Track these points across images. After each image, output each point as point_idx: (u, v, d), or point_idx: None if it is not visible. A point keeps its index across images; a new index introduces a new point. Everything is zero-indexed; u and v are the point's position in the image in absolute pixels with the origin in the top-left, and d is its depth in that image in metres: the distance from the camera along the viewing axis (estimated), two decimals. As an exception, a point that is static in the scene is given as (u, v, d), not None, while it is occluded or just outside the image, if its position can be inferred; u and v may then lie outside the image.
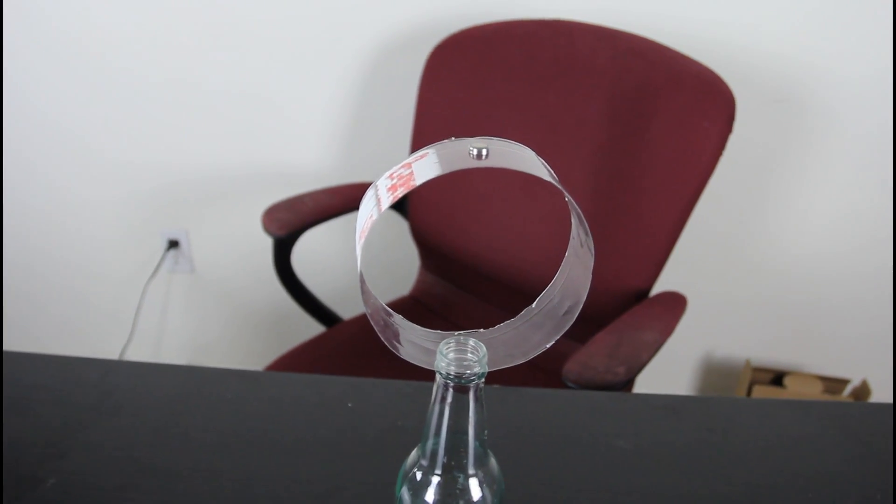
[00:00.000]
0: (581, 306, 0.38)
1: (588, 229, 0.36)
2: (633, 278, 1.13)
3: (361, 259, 0.35)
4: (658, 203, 1.10)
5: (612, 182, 1.15)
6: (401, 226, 1.43)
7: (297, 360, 1.21)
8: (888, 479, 0.66)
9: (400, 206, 1.39)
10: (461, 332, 0.41)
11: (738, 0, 1.29)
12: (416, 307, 1.40)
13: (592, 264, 0.37)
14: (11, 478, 0.60)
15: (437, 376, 0.40)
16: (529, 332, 0.41)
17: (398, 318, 0.40)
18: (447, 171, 0.34)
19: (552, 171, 0.36)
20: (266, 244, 1.27)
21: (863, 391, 1.61)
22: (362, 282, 0.35)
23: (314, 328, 1.38)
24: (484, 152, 0.35)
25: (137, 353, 1.79)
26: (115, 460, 0.62)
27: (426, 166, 0.34)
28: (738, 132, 1.09)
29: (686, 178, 1.08)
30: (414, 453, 0.46)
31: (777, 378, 1.66)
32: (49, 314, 1.79)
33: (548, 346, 0.40)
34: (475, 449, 0.43)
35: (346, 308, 1.43)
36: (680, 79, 1.10)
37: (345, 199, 1.31)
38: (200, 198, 1.63)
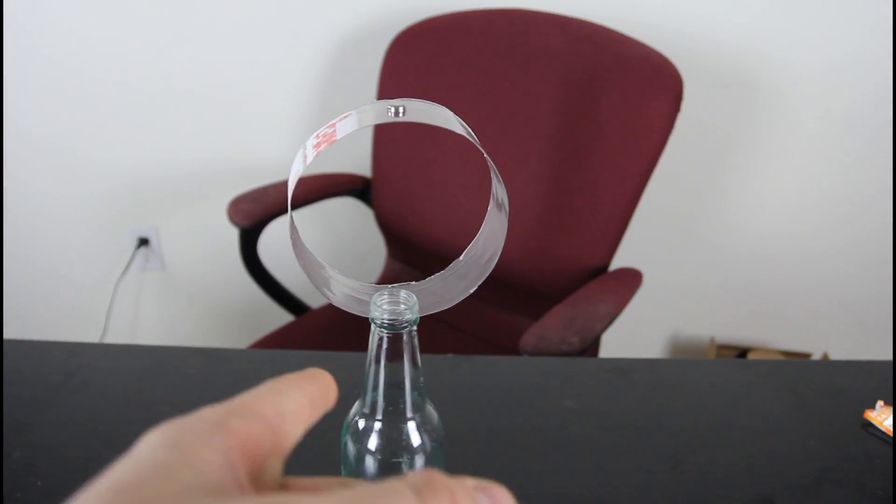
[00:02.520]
0: (499, 255, 0.41)
1: (501, 180, 0.39)
2: (589, 257, 1.16)
3: (291, 213, 0.38)
4: (610, 182, 1.14)
5: (566, 164, 1.19)
6: (367, 215, 1.45)
7: (267, 348, 1.23)
8: (822, 427, 0.70)
9: (364, 194, 1.41)
10: (394, 285, 0.43)
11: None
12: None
13: (508, 214, 0.40)
14: (-23, 453, 0.62)
15: (372, 325, 0.43)
16: (456, 281, 0.44)
17: (332, 272, 0.43)
18: (364, 125, 0.37)
19: (469, 129, 0.39)
20: (234, 238, 1.29)
21: (822, 363, 1.66)
22: (292, 230, 0.38)
23: (285, 319, 1.40)
24: (401, 110, 0.38)
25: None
26: (79, 433, 0.65)
27: (347, 124, 0.37)
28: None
29: (636, 157, 1.12)
30: (357, 404, 0.49)
31: (741, 355, 1.71)
32: (18, 314, 1.80)
33: (472, 290, 0.43)
34: (412, 395, 0.46)
35: (315, 296, 1.45)
36: (627, 61, 1.13)
37: (309, 190, 1.33)
38: (169, 195, 1.65)
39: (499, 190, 0.41)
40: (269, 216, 1.24)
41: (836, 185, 1.51)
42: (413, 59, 1.30)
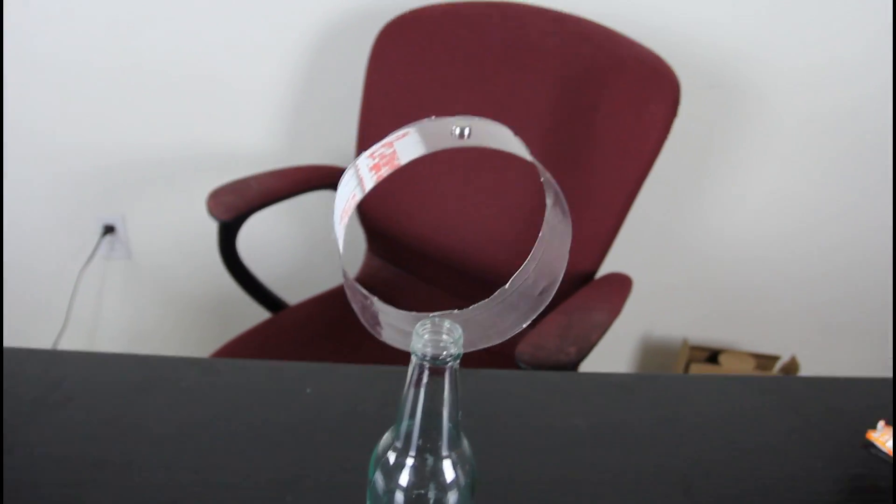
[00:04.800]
0: (557, 286, 0.39)
1: (566, 208, 0.36)
2: (580, 261, 1.15)
3: (343, 242, 0.34)
4: (605, 185, 1.12)
5: (560, 165, 1.16)
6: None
7: (244, 347, 1.18)
8: (826, 448, 0.70)
9: (346, 189, 1.37)
10: (436, 313, 0.40)
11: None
12: (363, 291, 1.39)
13: (570, 243, 0.38)
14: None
15: (413, 357, 0.40)
16: (505, 313, 0.41)
17: (375, 301, 0.40)
18: (431, 150, 0.33)
19: (529, 150, 0.36)
20: (206, 228, 1.24)
21: (792, 366, 1.68)
22: (343, 267, 0.35)
23: (257, 314, 1.35)
24: (467, 131, 0.35)
25: (71, 343, 1.73)
26: (66, 454, 0.60)
27: (409, 145, 0.34)
28: (678, 118, 1.11)
29: (633, 161, 1.10)
30: (387, 436, 0.46)
31: (712, 356, 1.72)
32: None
33: (524, 325, 0.40)
34: (449, 431, 0.44)
35: (292, 293, 1.41)
36: (625, 62, 1.11)
37: (291, 183, 1.29)
38: (137, 181, 1.58)
39: (558, 213, 0.38)
40: (250, 209, 1.20)
41: (812, 190, 1.52)
42: (402, 50, 1.26)
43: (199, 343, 1.74)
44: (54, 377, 0.69)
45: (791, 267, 1.63)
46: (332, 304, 1.33)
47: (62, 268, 1.65)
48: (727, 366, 1.67)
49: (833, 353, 1.73)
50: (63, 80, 1.44)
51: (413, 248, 1.32)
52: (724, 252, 1.62)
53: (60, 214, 1.60)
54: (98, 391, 0.68)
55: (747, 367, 1.68)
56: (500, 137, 0.35)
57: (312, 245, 1.64)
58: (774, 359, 1.72)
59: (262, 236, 1.56)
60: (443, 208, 1.27)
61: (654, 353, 1.80)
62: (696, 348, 1.73)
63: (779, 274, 1.64)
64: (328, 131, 1.49)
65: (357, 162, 0.36)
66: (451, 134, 0.35)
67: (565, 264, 0.38)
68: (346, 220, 0.34)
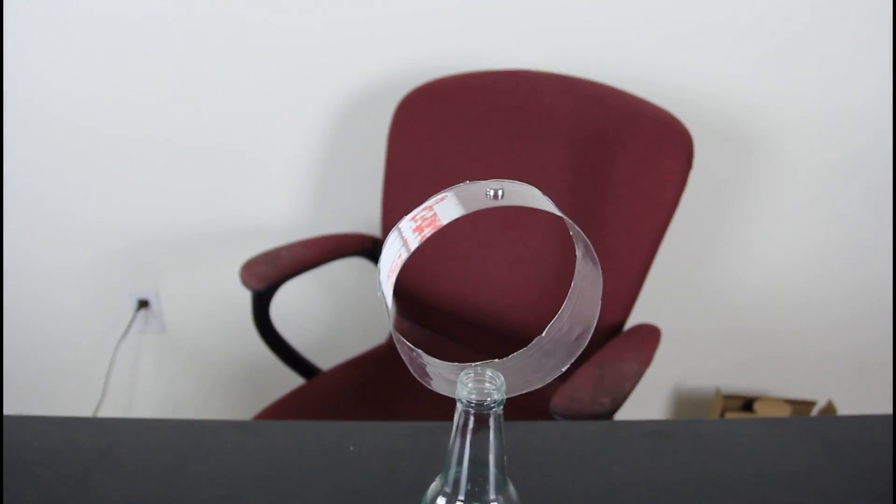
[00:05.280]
0: (592, 332, 0.41)
1: (595, 257, 0.39)
2: (608, 314, 1.16)
3: (391, 299, 0.37)
4: (626, 241, 1.15)
5: (581, 222, 1.19)
6: (373, 273, 1.45)
7: (281, 412, 1.20)
8: (871, 487, 0.70)
9: (372, 252, 1.41)
10: (478, 363, 0.43)
11: (686, 46, 1.36)
12: (393, 354, 1.42)
13: (601, 291, 0.40)
14: (17, 541, 0.59)
15: (458, 405, 0.43)
16: (543, 360, 0.43)
17: (422, 353, 0.42)
18: (469, 211, 0.36)
19: (557, 206, 0.39)
20: (238, 299, 1.27)
21: (829, 411, 1.66)
22: (391, 322, 0.38)
23: (291, 381, 1.37)
24: (500, 193, 0.38)
25: (109, 414, 1.75)
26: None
27: (448, 207, 0.37)
28: (693, 171, 1.14)
29: (652, 215, 1.13)
30: (435, 483, 0.47)
31: (747, 404, 1.71)
32: (14, 378, 1.75)
33: (563, 369, 0.42)
34: (496, 476, 0.45)
35: (324, 359, 1.44)
36: (638, 121, 1.15)
37: (321, 251, 1.33)
38: (169, 256, 1.63)
39: (588, 264, 0.40)
40: (282, 278, 1.23)
41: (833, 236, 1.53)
42: (421, 121, 1.31)
43: (234, 411, 1.76)
44: (105, 443, 0.71)
45: (820, 311, 1.63)
46: (365, 367, 1.35)
47: (99, 342, 1.69)
48: (763, 413, 1.66)
49: (870, 394, 1.71)
50: (93, 158, 1.50)
51: (441, 309, 1.34)
52: (750, 300, 1.62)
53: (96, 291, 1.65)
54: (146, 457, 0.70)
55: (784, 414, 1.66)
56: (530, 197, 0.38)
57: (342, 311, 1.67)
58: (811, 404, 1.70)
59: (293, 304, 1.60)
60: (469, 268, 1.30)
61: (687, 404, 1.79)
62: (729, 397, 1.72)
63: (808, 319, 1.64)
64: (353, 201, 1.54)
65: (400, 225, 0.39)
66: (485, 196, 0.38)
67: (598, 311, 0.40)
68: (393, 278, 0.37)
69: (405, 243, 0.37)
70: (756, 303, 1.63)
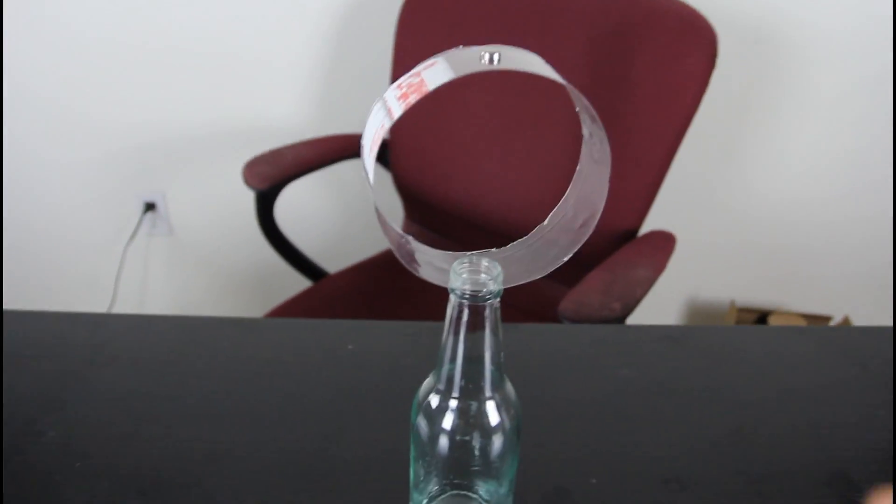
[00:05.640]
0: (598, 218, 0.37)
1: (604, 135, 0.35)
2: (621, 219, 1.12)
3: (374, 175, 0.34)
4: (644, 142, 1.09)
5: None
6: (382, 177, 1.41)
7: (287, 314, 1.19)
8: (888, 398, 0.67)
9: (382, 156, 1.36)
10: (474, 251, 0.39)
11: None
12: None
13: (609, 173, 0.36)
14: (11, 431, 0.58)
15: (452, 296, 0.39)
16: (544, 249, 0.40)
17: (411, 240, 0.39)
18: (459, 75, 0.32)
19: (560, 76, 0.35)
20: (245, 202, 1.24)
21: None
22: (375, 204, 0.34)
23: (299, 284, 1.36)
24: (496, 57, 0.34)
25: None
26: (114, 410, 0.61)
27: (437, 72, 0.33)
28: (718, 74, 1.08)
29: (671, 116, 1.07)
30: (428, 380, 0.45)
31: (761, 317, 1.69)
32: (27, 281, 1.75)
33: (565, 259, 0.39)
34: (491, 372, 0.43)
35: (332, 263, 1.42)
36: (660, 17, 1.08)
37: (325, 151, 1.29)
38: (175, 158, 1.59)
39: (595, 143, 0.36)
40: (286, 179, 1.20)
41: (856, 151, 1.47)
42: (430, 15, 1.24)
43: (243, 313, 1.76)
44: (101, 338, 0.70)
45: (840, 227, 1.58)
46: (373, 271, 1.33)
47: (108, 244, 1.68)
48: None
49: (887, 311, 1.68)
50: (98, 60, 1.46)
51: (450, 213, 1.31)
52: (770, 212, 1.58)
53: (103, 194, 1.63)
54: (141, 351, 0.69)
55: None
56: (529, 63, 0.34)
57: (351, 214, 1.65)
58: (826, 319, 1.67)
59: (301, 207, 1.57)
60: (479, 172, 1.26)
61: (700, 315, 1.77)
62: (743, 310, 1.70)
63: (827, 234, 1.60)
64: (359, 100, 1.48)
65: (385, 95, 0.35)
66: (479, 59, 0.33)
67: (605, 195, 0.37)
68: (375, 150, 0.33)
69: (388, 112, 0.33)
70: (775, 215, 1.58)
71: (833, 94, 1.41)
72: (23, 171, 1.60)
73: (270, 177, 1.18)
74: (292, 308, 1.21)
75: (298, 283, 1.37)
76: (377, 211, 0.35)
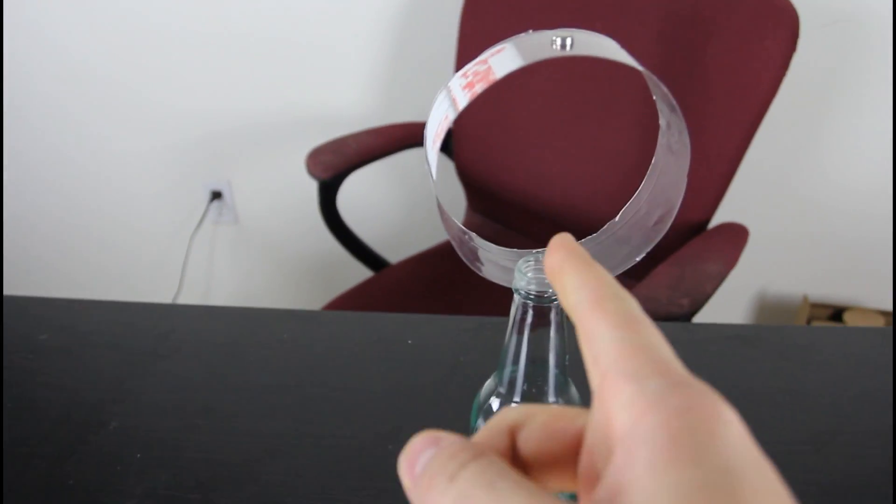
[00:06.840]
0: (675, 214, 0.35)
1: (684, 126, 0.33)
2: (692, 211, 1.08)
3: (436, 167, 0.32)
4: (718, 130, 1.05)
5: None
6: (445, 166, 1.39)
7: (348, 304, 1.19)
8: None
9: (445, 145, 1.35)
10: (540, 250, 0.37)
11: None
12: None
13: (687, 167, 0.34)
14: (75, 421, 0.59)
15: (516, 296, 0.38)
16: (615, 247, 0.37)
17: (474, 237, 0.37)
18: (529, 62, 0.30)
19: (637, 62, 0.32)
20: (309, 192, 1.25)
21: (928, 324, 1.55)
22: (437, 198, 0.33)
23: (361, 274, 1.36)
24: (568, 42, 0.31)
25: (187, 303, 1.80)
26: (174, 402, 0.62)
27: (505, 59, 0.31)
28: (797, 57, 1.02)
29: (746, 103, 1.02)
30: (489, 382, 0.43)
31: (836, 314, 1.61)
32: (95, 268, 1.81)
33: (637, 259, 0.36)
34: (556, 377, 0.41)
35: (393, 252, 1.41)
36: (738, -4, 1.03)
37: (388, 140, 1.28)
38: (241, 147, 1.61)
39: (674, 133, 0.34)
40: (349, 168, 1.19)
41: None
42: (495, 2, 1.21)
43: (306, 302, 1.78)
44: (164, 329, 0.70)
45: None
46: (434, 261, 1.32)
47: (176, 232, 1.71)
48: (853, 324, 1.56)
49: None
50: (167, 50, 1.48)
51: (514, 204, 1.28)
52: (846, 202, 1.50)
53: (170, 182, 1.66)
54: (203, 343, 0.69)
55: (876, 325, 1.56)
56: (604, 48, 0.32)
57: (413, 204, 1.64)
58: (906, 316, 1.59)
59: (363, 197, 1.57)
60: (543, 162, 1.23)
61: (771, 310, 1.70)
62: (817, 305, 1.62)
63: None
64: (423, 88, 1.47)
65: (449, 83, 0.33)
66: (550, 45, 0.31)
67: (683, 191, 0.34)
68: (438, 143, 0.32)
69: (453, 102, 0.32)
70: (852, 207, 1.50)
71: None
72: (92, 160, 1.64)
73: (333, 166, 1.18)
74: (353, 298, 1.21)
75: (360, 272, 1.37)
76: (439, 206, 0.33)
